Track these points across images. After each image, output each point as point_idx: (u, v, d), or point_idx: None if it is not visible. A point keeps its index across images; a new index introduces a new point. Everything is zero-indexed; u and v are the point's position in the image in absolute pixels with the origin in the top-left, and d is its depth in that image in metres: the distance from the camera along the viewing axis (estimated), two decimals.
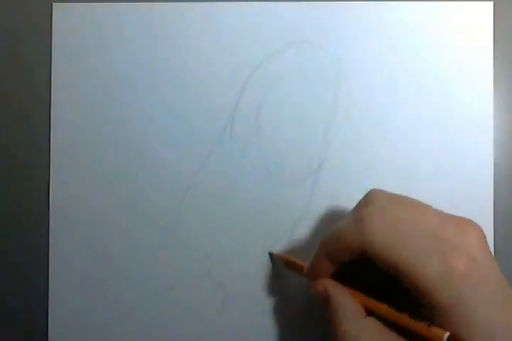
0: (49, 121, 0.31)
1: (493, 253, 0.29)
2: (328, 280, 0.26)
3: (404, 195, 0.25)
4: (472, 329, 0.21)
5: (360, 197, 0.25)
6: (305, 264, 0.27)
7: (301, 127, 0.31)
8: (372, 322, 0.24)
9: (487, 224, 0.30)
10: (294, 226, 0.30)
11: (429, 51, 0.31)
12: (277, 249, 0.31)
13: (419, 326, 0.22)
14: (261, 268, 0.30)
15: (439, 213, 0.24)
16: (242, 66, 0.31)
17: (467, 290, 0.22)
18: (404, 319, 0.23)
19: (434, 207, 0.24)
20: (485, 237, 0.23)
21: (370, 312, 0.24)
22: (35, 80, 0.31)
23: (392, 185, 0.30)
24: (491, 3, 0.31)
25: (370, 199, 0.25)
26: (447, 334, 0.21)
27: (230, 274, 0.31)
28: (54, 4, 0.31)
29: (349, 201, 0.30)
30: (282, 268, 0.29)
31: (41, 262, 0.31)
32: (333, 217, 0.30)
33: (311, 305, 0.30)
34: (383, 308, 0.24)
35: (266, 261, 0.31)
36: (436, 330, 0.22)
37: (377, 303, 0.24)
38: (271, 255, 0.30)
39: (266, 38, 0.31)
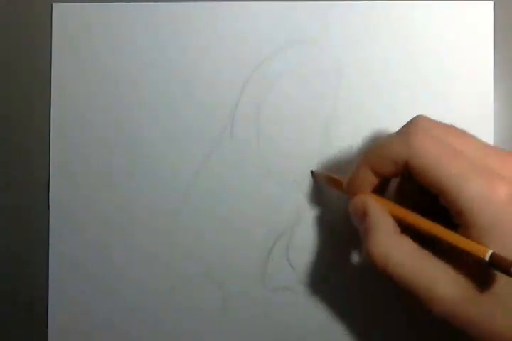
0: (49, 121, 0.31)
1: None
2: (369, 195, 0.25)
3: (452, 125, 0.25)
4: (508, 253, 0.21)
5: None
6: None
7: (301, 127, 0.31)
8: (405, 239, 0.24)
9: None
10: (294, 226, 0.30)
11: (429, 51, 0.31)
12: (277, 249, 0.31)
13: (461, 240, 0.22)
14: (261, 268, 0.30)
15: (485, 144, 0.24)
16: (242, 66, 0.31)
17: (506, 216, 0.22)
18: (444, 232, 0.22)
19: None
20: None
21: (408, 229, 0.24)
22: (35, 80, 0.31)
23: (392, 185, 0.30)
24: (491, 3, 0.31)
25: (415, 121, 0.24)
26: (490, 251, 0.21)
27: (230, 274, 0.31)
28: (54, 4, 0.31)
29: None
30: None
31: (41, 262, 0.31)
32: (333, 216, 0.30)
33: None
34: (422, 221, 0.23)
35: (266, 261, 0.31)
36: (479, 247, 0.21)
37: (416, 217, 0.24)
38: (312, 173, 0.30)
39: (266, 38, 0.31)
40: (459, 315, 0.22)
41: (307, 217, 0.30)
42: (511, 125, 0.31)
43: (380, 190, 0.26)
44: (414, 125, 0.24)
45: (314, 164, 0.31)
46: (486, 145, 0.24)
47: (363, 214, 0.25)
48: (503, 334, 0.22)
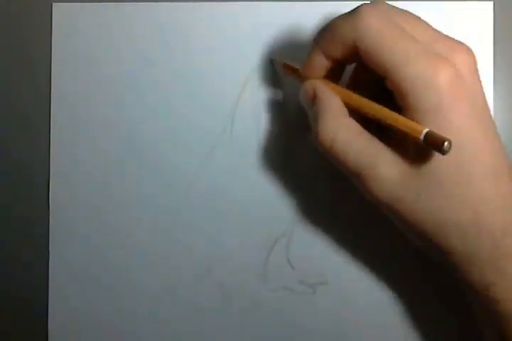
0: (49, 121, 0.31)
1: None
2: (319, 80, 0.25)
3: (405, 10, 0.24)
4: (445, 135, 0.21)
5: None
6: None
7: (300, 127, 0.31)
8: (351, 121, 0.24)
9: None
10: (294, 226, 0.30)
11: None
12: (277, 249, 0.31)
13: (399, 120, 0.22)
14: (261, 268, 0.30)
15: (438, 31, 0.24)
16: (242, 66, 0.31)
17: (447, 99, 0.22)
18: (384, 111, 0.23)
19: None
20: (476, 64, 0.23)
21: (354, 112, 0.24)
22: (35, 80, 0.31)
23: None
24: (491, 3, 0.31)
25: (370, 3, 0.24)
26: (426, 130, 0.21)
27: (230, 274, 0.31)
28: (54, 4, 0.31)
29: (349, 200, 0.30)
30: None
31: (41, 262, 0.31)
32: (333, 216, 0.30)
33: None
34: (366, 103, 0.24)
35: (266, 261, 0.31)
36: (416, 126, 0.21)
37: (363, 100, 0.24)
38: (271, 61, 0.30)
39: (266, 38, 0.31)
40: (394, 195, 0.23)
41: (307, 217, 0.30)
42: (511, 125, 0.31)
43: (335, 77, 0.26)
44: (366, 6, 0.23)
45: (315, 163, 0.30)
46: (438, 32, 0.24)
47: (313, 98, 0.25)
48: (424, 214, 0.23)
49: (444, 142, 0.20)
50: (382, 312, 0.30)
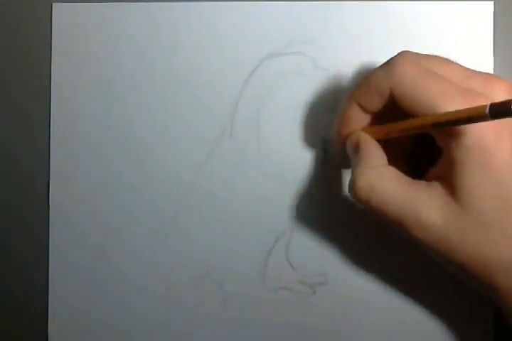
0: (49, 121, 0.31)
1: None
2: (360, 131, 0.25)
3: (435, 55, 0.25)
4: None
5: None
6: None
7: (301, 127, 0.31)
8: (389, 170, 0.24)
9: None
10: (294, 226, 0.30)
11: (428, 51, 0.31)
12: (277, 249, 0.30)
13: (455, 112, 0.21)
14: (261, 268, 0.30)
15: (468, 69, 0.24)
16: (242, 66, 0.31)
17: (491, 137, 0.22)
18: (430, 117, 0.22)
19: None
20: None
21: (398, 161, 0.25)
22: (35, 80, 0.31)
23: None
24: (491, 3, 0.31)
25: (400, 53, 0.25)
26: (488, 104, 0.20)
27: (230, 274, 0.31)
28: (54, 4, 0.31)
29: (349, 200, 0.30)
30: None
31: (41, 262, 0.31)
32: (333, 216, 0.30)
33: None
34: (405, 124, 0.24)
35: (266, 261, 0.30)
36: (476, 107, 0.20)
37: (399, 123, 0.24)
38: (322, 139, 0.30)
39: (266, 38, 0.31)
40: (440, 238, 0.23)
41: (307, 217, 0.30)
42: None
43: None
44: (398, 56, 0.24)
45: (314, 164, 0.31)
46: (469, 69, 0.24)
47: (356, 148, 0.25)
48: (470, 253, 0.23)
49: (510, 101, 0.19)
50: (383, 312, 0.30)
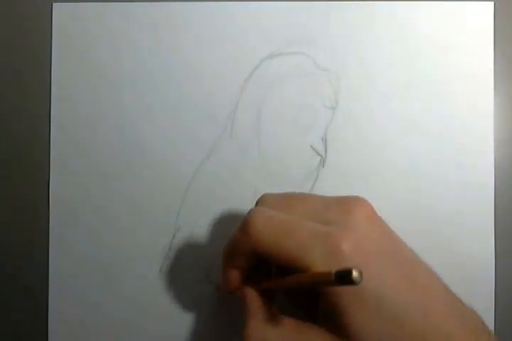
0: (49, 121, 0.31)
1: (493, 252, 0.30)
2: (243, 287, 0.26)
3: (293, 192, 0.26)
4: (357, 306, 0.22)
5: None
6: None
7: (301, 127, 0.31)
8: (280, 319, 0.24)
9: (488, 224, 0.30)
10: None
11: (429, 51, 0.31)
12: None
13: (306, 275, 0.22)
14: None
15: (324, 197, 0.24)
16: (242, 66, 0.31)
17: (356, 265, 0.21)
18: (292, 278, 0.23)
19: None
20: (374, 211, 0.23)
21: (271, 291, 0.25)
22: (35, 80, 0.31)
23: (392, 185, 0.30)
24: (492, 3, 0.31)
25: (259, 203, 0.25)
26: (334, 270, 0.20)
27: None
28: (54, 4, 0.31)
29: None
30: None
31: (41, 262, 0.31)
32: None
33: None
34: (273, 281, 0.24)
35: None
36: (324, 272, 0.21)
37: (268, 282, 0.25)
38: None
39: (266, 38, 0.31)
40: None
41: None
42: (511, 125, 0.31)
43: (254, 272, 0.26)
44: (251, 214, 0.24)
45: (314, 165, 0.31)
46: (325, 198, 0.24)
47: (243, 302, 0.25)
48: None
49: (351, 271, 0.20)
50: None
